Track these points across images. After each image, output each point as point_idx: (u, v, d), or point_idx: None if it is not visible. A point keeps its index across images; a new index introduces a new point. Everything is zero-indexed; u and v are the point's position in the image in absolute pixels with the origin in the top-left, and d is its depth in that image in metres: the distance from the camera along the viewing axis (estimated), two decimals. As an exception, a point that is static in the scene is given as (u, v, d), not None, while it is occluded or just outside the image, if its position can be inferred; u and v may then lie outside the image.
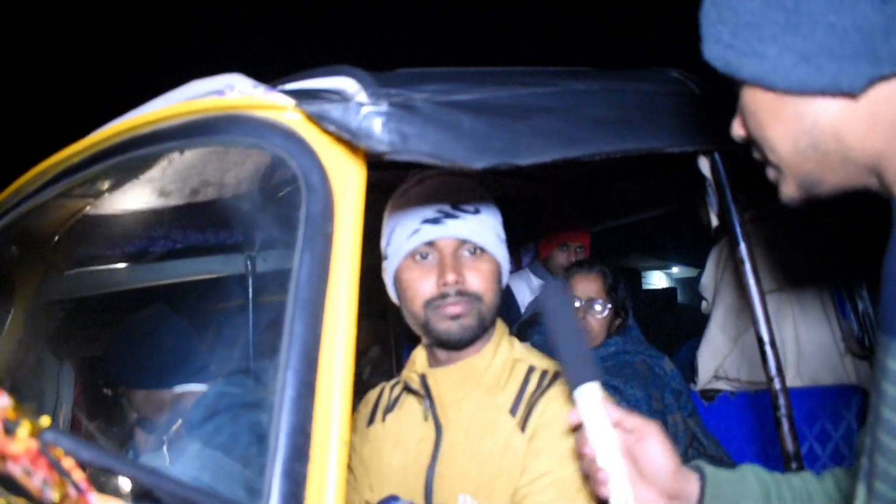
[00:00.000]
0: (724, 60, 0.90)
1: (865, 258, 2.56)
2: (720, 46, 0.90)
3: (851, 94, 0.83)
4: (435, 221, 1.49)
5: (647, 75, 1.67)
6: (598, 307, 2.61)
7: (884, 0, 0.79)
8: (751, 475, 1.24)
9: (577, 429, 1.20)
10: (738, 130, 1.00)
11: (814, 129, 0.87)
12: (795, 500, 1.21)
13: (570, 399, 1.18)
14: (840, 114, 0.85)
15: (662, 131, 1.50)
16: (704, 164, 1.72)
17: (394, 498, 1.52)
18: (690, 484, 1.18)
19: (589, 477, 1.18)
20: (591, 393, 1.15)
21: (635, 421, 1.16)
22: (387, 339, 3.52)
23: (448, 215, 1.50)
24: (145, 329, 1.92)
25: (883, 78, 0.81)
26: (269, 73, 1.21)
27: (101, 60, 8.15)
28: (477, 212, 1.53)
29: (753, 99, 0.91)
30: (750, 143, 0.99)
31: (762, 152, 0.96)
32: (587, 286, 2.64)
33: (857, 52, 0.80)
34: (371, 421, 1.70)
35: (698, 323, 4.03)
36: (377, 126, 1.02)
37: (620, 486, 1.12)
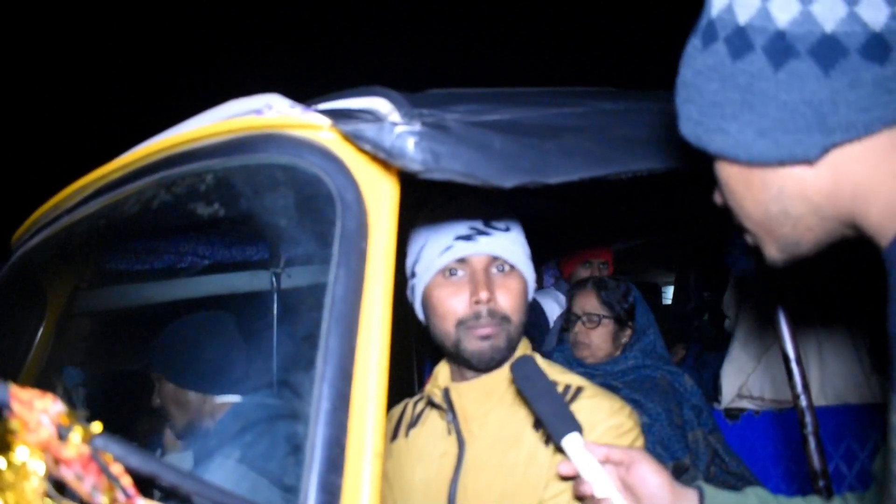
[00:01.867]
0: (696, 136, 0.97)
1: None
2: (691, 123, 0.97)
3: (808, 162, 0.87)
4: (467, 238, 1.50)
5: (672, 95, 1.68)
6: (594, 322, 2.67)
7: (827, 74, 0.83)
8: (752, 496, 1.27)
9: (571, 478, 1.30)
10: (717, 199, 1.05)
11: (780, 196, 0.91)
12: None
13: (560, 450, 1.29)
14: (803, 180, 0.89)
15: (688, 150, 1.51)
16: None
17: (417, 512, 1.53)
18: (689, 501, 1.24)
19: None
20: (575, 441, 1.26)
21: (619, 452, 1.26)
22: (409, 356, 3.54)
23: (480, 232, 1.51)
24: (206, 331, 1.98)
25: (836, 145, 0.85)
26: (298, 94, 1.23)
27: (134, 81, 8.30)
28: (508, 229, 1.54)
29: (725, 171, 0.97)
30: (729, 210, 1.04)
31: (739, 220, 1.01)
32: (582, 302, 2.72)
33: (809, 125, 0.85)
34: (394, 437, 1.71)
35: (717, 337, 4.02)
36: (410, 145, 1.04)
37: None
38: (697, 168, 1.51)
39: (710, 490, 1.26)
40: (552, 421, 1.29)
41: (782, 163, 0.88)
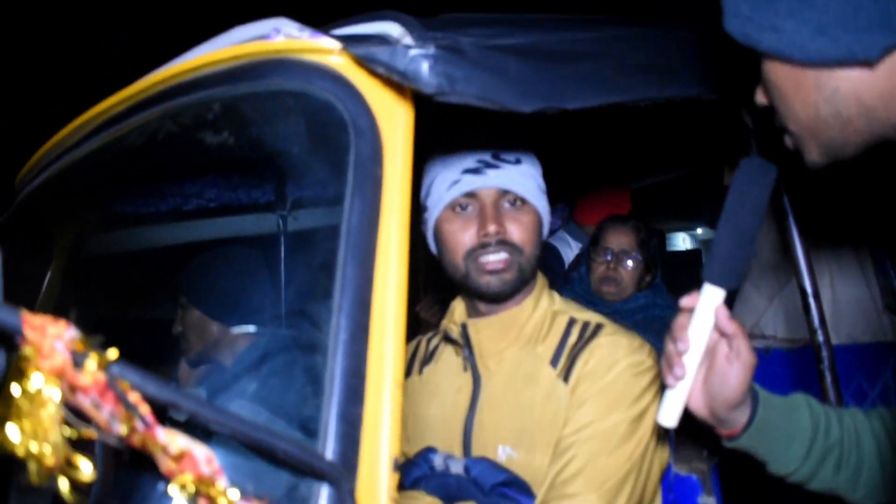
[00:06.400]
0: (744, 34, 0.92)
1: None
2: (740, 20, 0.91)
3: (868, 63, 0.84)
4: (475, 171, 1.47)
5: (689, 24, 1.63)
6: (629, 261, 2.65)
7: None
8: (803, 404, 1.24)
9: (684, 311, 1.19)
10: (760, 98, 1.02)
11: (834, 97, 0.88)
12: (843, 438, 1.22)
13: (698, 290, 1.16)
14: (859, 81, 0.86)
15: (705, 79, 1.48)
16: (747, 115, 1.69)
17: (431, 450, 1.53)
18: (742, 413, 1.19)
19: (666, 358, 1.19)
20: (717, 296, 1.15)
21: (743, 345, 1.16)
22: (415, 295, 3.54)
23: (489, 165, 1.48)
24: (237, 264, 1.99)
25: None
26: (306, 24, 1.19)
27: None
28: (518, 161, 1.51)
29: (774, 71, 0.93)
30: (771, 110, 1.00)
31: (782, 121, 0.98)
32: (621, 238, 2.67)
33: (872, 23, 0.81)
34: (408, 373, 1.71)
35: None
36: (425, 68, 1.00)
37: (684, 384, 1.16)
38: (714, 95, 1.48)
39: (761, 389, 1.23)
40: (721, 258, 1.13)
41: (840, 63, 0.85)
